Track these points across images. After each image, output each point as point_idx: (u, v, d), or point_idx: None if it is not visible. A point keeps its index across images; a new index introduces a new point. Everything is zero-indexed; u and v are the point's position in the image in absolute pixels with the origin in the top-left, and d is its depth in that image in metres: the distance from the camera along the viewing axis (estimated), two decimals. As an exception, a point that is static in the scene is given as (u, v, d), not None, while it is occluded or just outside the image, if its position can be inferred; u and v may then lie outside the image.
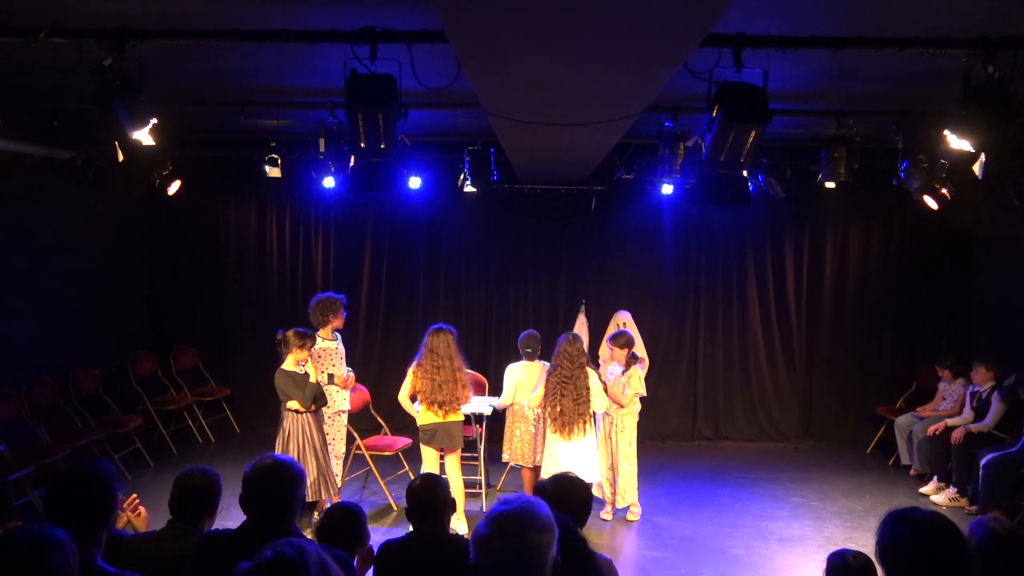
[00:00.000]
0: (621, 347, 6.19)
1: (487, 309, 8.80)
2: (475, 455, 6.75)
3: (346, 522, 3.05)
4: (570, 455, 5.68)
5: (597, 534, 5.99)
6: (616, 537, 6.05)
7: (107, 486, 2.51)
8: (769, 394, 8.76)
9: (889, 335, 8.65)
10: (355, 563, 3.03)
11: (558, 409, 5.71)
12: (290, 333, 5.63)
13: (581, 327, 7.98)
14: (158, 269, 8.87)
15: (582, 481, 3.14)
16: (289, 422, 5.59)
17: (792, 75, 4.74)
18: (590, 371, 5.82)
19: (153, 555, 2.86)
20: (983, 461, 6.30)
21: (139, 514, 3.23)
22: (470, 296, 8.82)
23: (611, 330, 7.84)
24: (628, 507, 6.28)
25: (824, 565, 2.91)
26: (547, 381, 5.83)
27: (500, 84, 3.89)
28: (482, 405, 6.75)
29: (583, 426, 5.73)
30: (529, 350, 6.22)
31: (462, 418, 5.99)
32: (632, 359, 6.21)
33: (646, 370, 7.80)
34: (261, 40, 3.90)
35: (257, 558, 1.64)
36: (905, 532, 2.04)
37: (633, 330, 7.80)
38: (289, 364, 5.59)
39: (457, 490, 5.77)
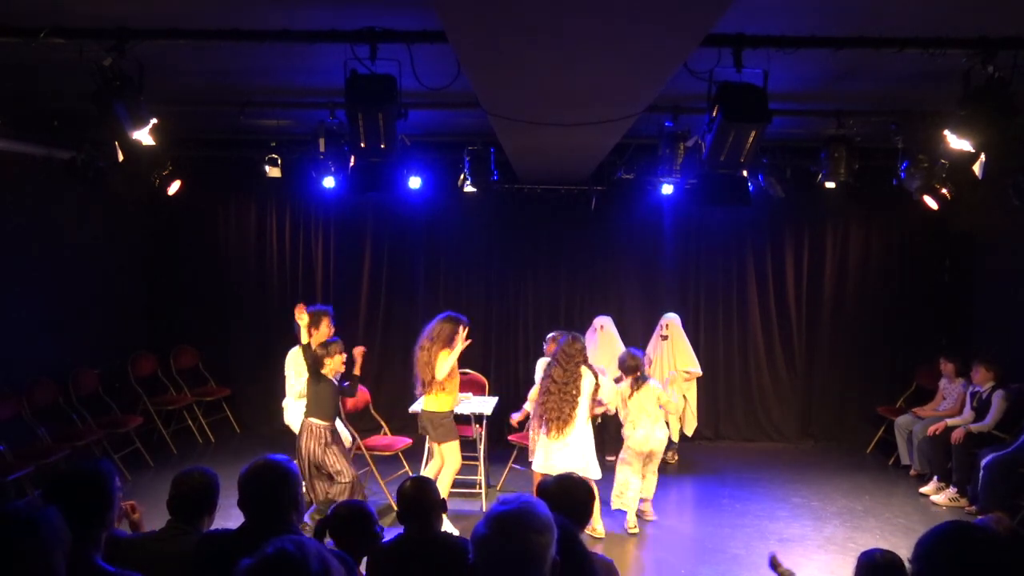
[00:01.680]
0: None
1: (487, 309, 8.80)
2: (475, 455, 6.75)
3: (352, 521, 3.05)
4: (557, 454, 5.65)
5: (597, 534, 5.98)
6: (616, 537, 6.04)
7: (106, 486, 2.51)
8: (769, 394, 8.76)
9: (889, 335, 8.65)
10: (366, 563, 3.03)
11: (546, 407, 5.68)
12: (316, 349, 5.69)
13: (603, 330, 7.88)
14: (158, 269, 8.87)
15: (585, 482, 3.14)
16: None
17: (792, 75, 4.74)
18: (585, 371, 5.74)
19: (153, 555, 2.86)
20: (984, 461, 6.30)
21: (137, 515, 3.23)
22: (470, 296, 8.82)
23: (657, 333, 7.86)
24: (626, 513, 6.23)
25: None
26: (542, 379, 5.81)
27: (500, 84, 3.89)
28: (482, 405, 6.76)
29: (563, 427, 5.63)
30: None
31: (440, 409, 5.96)
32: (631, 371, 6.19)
33: (693, 379, 7.80)
34: (261, 40, 3.90)
35: (258, 555, 1.65)
36: (937, 541, 1.94)
37: (679, 334, 7.80)
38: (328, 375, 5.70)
39: (442, 484, 5.76)
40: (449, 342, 5.94)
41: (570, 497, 2.96)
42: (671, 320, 7.80)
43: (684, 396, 7.82)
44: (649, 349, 7.99)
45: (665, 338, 7.75)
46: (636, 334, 8.27)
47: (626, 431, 6.10)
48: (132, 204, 8.19)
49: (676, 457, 7.94)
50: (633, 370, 6.10)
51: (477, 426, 6.79)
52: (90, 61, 3.88)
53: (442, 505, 3.16)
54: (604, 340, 7.66)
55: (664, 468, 7.80)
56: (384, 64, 3.88)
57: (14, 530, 1.81)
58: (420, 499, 3.09)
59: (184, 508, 3.03)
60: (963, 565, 1.84)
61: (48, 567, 1.83)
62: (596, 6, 2.67)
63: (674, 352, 7.74)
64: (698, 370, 7.78)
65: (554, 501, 2.75)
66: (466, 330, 6.04)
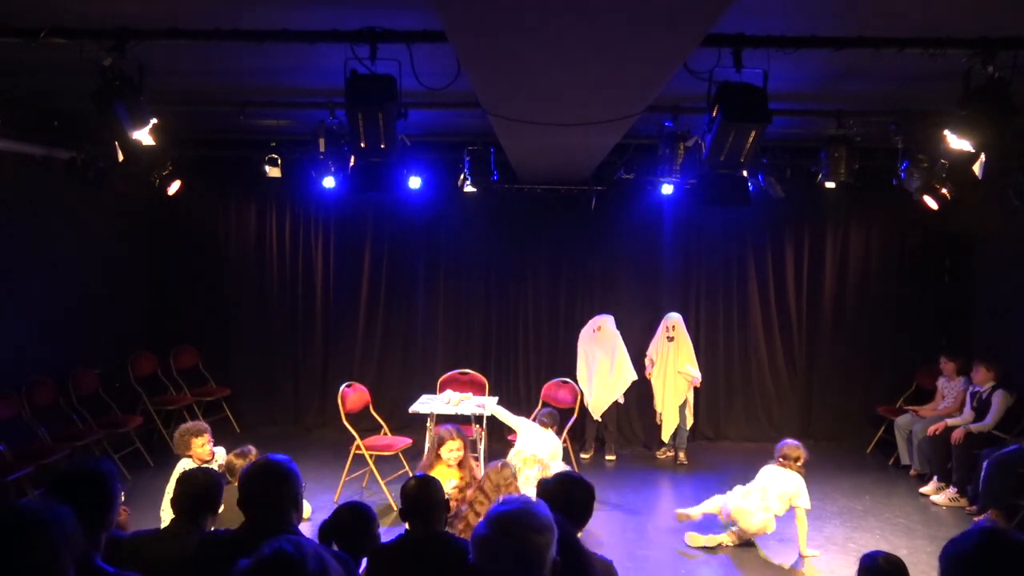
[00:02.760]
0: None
1: (487, 309, 8.81)
2: (475, 455, 6.75)
3: (354, 522, 3.05)
4: None
5: (596, 533, 5.98)
6: (615, 536, 6.05)
7: (108, 486, 2.51)
8: (769, 394, 8.76)
9: (889, 335, 8.64)
10: (364, 564, 3.03)
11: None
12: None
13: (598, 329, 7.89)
14: (158, 269, 8.88)
15: (585, 482, 3.14)
16: None
17: (792, 75, 4.73)
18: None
19: (153, 555, 2.87)
20: (987, 460, 6.30)
21: (123, 516, 3.25)
22: (470, 296, 8.82)
23: (661, 333, 7.87)
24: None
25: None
26: (468, 507, 5.01)
27: (500, 84, 3.89)
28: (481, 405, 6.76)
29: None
30: (545, 421, 6.24)
31: None
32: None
33: (695, 380, 7.80)
34: (261, 40, 3.90)
35: (256, 555, 1.65)
36: (967, 548, 1.89)
37: (684, 335, 7.82)
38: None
39: None
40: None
41: (570, 496, 2.96)
42: (676, 321, 7.82)
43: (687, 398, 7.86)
44: (651, 350, 8.01)
45: (671, 339, 7.77)
46: (636, 334, 8.29)
47: (737, 488, 5.82)
48: (132, 204, 8.19)
49: (687, 457, 7.96)
50: (794, 460, 5.63)
51: (477, 426, 6.80)
52: (90, 61, 3.88)
53: (445, 505, 3.16)
54: (604, 340, 7.71)
55: (662, 467, 7.86)
56: (384, 64, 3.87)
57: (25, 529, 1.81)
58: (423, 498, 3.09)
59: (188, 507, 3.05)
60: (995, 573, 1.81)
61: (57, 569, 1.82)
62: (596, 6, 2.67)
63: (678, 353, 7.77)
64: (697, 373, 7.79)
65: (554, 500, 2.75)
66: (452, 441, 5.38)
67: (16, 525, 1.81)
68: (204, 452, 5.31)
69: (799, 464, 5.63)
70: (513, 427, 6.29)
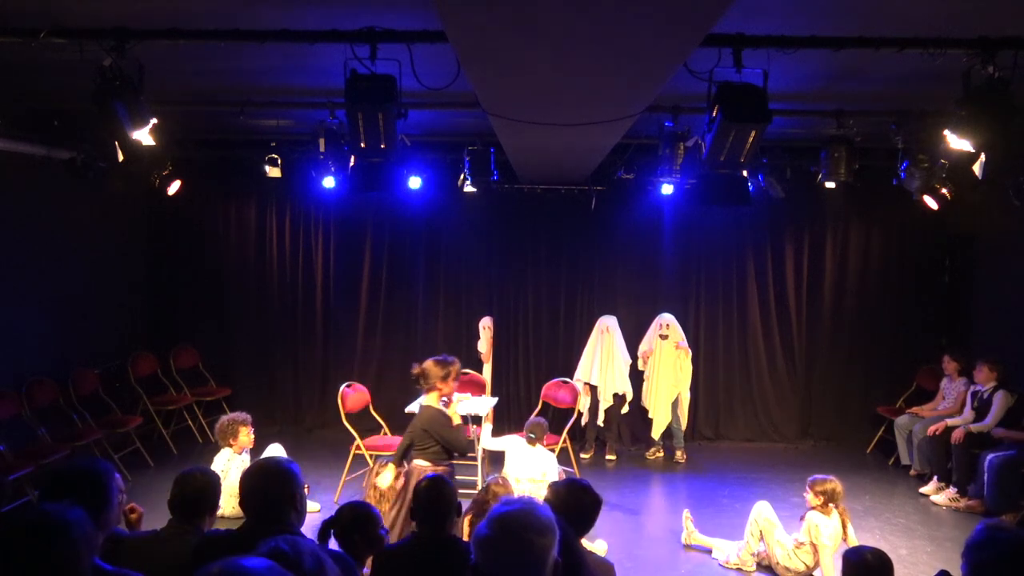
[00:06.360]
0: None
1: (487, 309, 8.79)
2: (474, 455, 6.74)
3: (355, 522, 3.04)
4: None
5: (595, 533, 5.98)
6: (615, 536, 6.04)
7: (102, 485, 2.51)
8: (769, 394, 8.76)
9: (889, 335, 8.65)
10: (372, 563, 3.02)
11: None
12: (428, 363, 4.87)
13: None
14: (158, 269, 8.88)
15: (593, 491, 3.14)
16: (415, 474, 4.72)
17: (792, 75, 4.74)
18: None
19: (153, 555, 2.87)
20: (987, 463, 6.29)
21: (135, 515, 3.25)
22: (470, 296, 8.83)
23: (654, 331, 7.90)
24: None
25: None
26: (470, 518, 4.68)
27: (500, 84, 3.89)
28: (482, 405, 6.76)
29: None
30: (532, 435, 5.98)
31: None
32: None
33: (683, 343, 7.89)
34: (261, 40, 3.90)
35: (253, 554, 1.65)
36: (992, 548, 1.90)
37: (675, 333, 7.85)
38: (432, 401, 4.87)
39: None
40: None
41: (578, 502, 2.97)
42: (670, 320, 7.85)
43: (679, 395, 7.86)
44: (645, 347, 8.04)
45: (664, 337, 7.81)
46: (636, 334, 8.28)
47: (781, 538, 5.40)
48: (132, 204, 8.19)
49: (685, 456, 7.96)
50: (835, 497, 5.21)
51: (476, 427, 6.79)
52: (90, 61, 3.88)
53: (458, 508, 3.14)
54: (607, 342, 7.74)
55: (662, 467, 7.86)
56: (384, 64, 3.87)
57: (48, 531, 1.82)
58: (435, 499, 3.06)
59: (185, 508, 3.05)
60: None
61: (79, 570, 1.84)
62: (596, 6, 2.66)
63: (669, 351, 7.80)
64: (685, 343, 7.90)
65: (562, 504, 2.76)
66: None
67: (39, 527, 1.82)
68: (249, 441, 5.43)
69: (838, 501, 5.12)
70: (502, 447, 6.20)
